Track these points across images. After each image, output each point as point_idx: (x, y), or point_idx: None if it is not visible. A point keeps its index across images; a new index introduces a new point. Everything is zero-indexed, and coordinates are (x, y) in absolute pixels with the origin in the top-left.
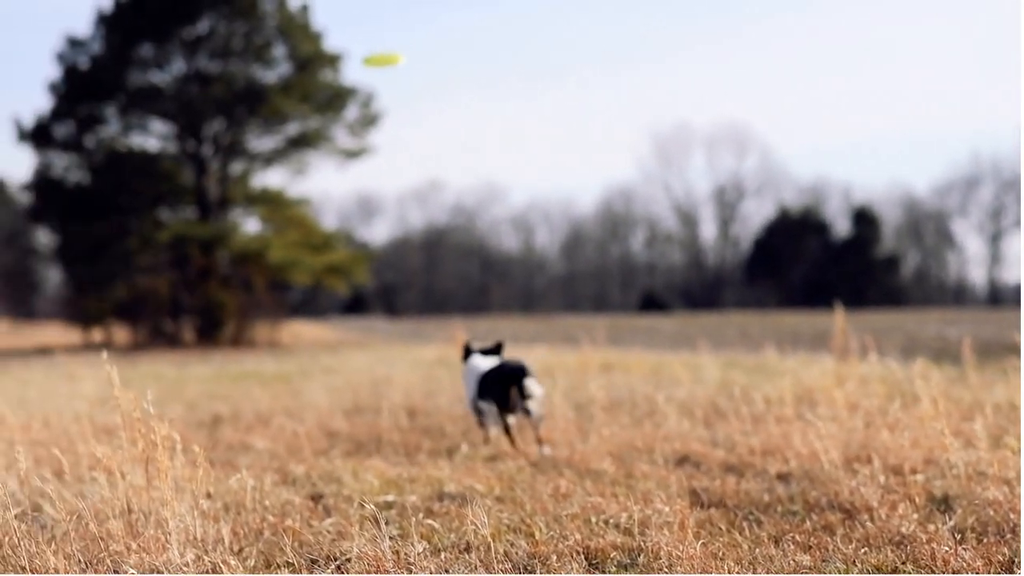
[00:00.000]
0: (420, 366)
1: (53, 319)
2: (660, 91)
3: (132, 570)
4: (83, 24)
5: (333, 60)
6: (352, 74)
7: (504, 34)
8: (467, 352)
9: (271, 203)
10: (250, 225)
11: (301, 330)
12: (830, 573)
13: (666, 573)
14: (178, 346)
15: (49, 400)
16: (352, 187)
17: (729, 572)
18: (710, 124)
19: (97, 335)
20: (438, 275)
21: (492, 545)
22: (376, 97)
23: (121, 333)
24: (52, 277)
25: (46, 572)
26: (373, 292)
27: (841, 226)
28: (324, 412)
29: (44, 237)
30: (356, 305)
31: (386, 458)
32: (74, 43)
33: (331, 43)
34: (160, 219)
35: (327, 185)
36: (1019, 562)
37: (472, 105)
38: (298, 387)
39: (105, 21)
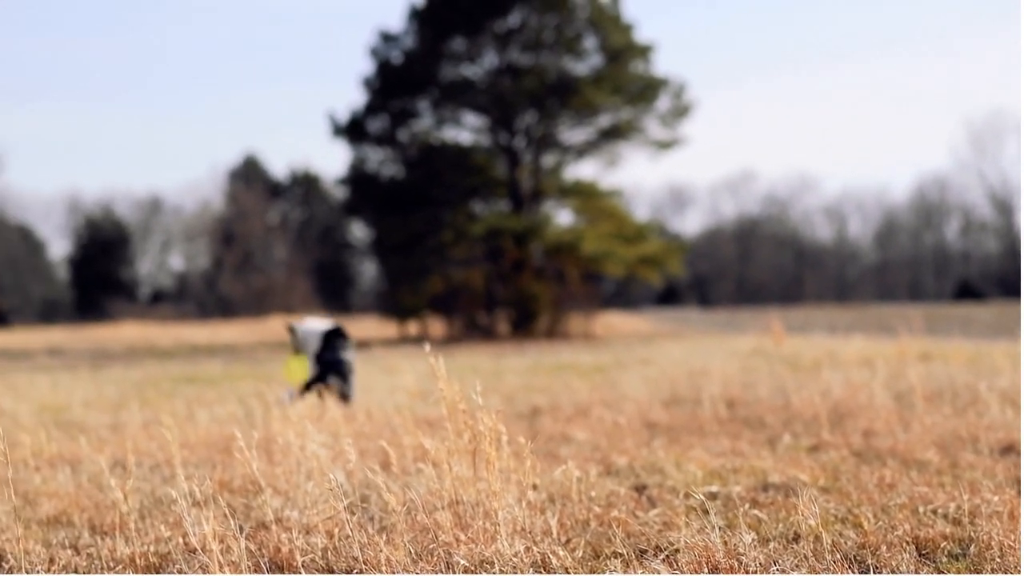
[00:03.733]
0: (736, 356)
1: (368, 312)
2: (974, 76)
3: (463, 560)
4: (395, 19)
5: (644, 51)
6: (663, 65)
7: (816, 17)
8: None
9: (584, 195)
10: (562, 217)
11: (614, 321)
12: None
13: (998, 563)
14: (492, 338)
15: (369, 393)
16: (664, 178)
17: None
18: None
19: (412, 328)
20: (751, 265)
21: (821, 535)
22: (688, 87)
23: (436, 326)
24: (367, 271)
25: (378, 563)
26: (686, 283)
27: None
28: (642, 403)
29: (359, 231)
30: (669, 296)
31: (707, 449)
32: (387, 38)
33: (642, 34)
34: (473, 212)
35: (638, 176)
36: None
37: (784, 93)
38: (615, 378)
39: (417, 16)
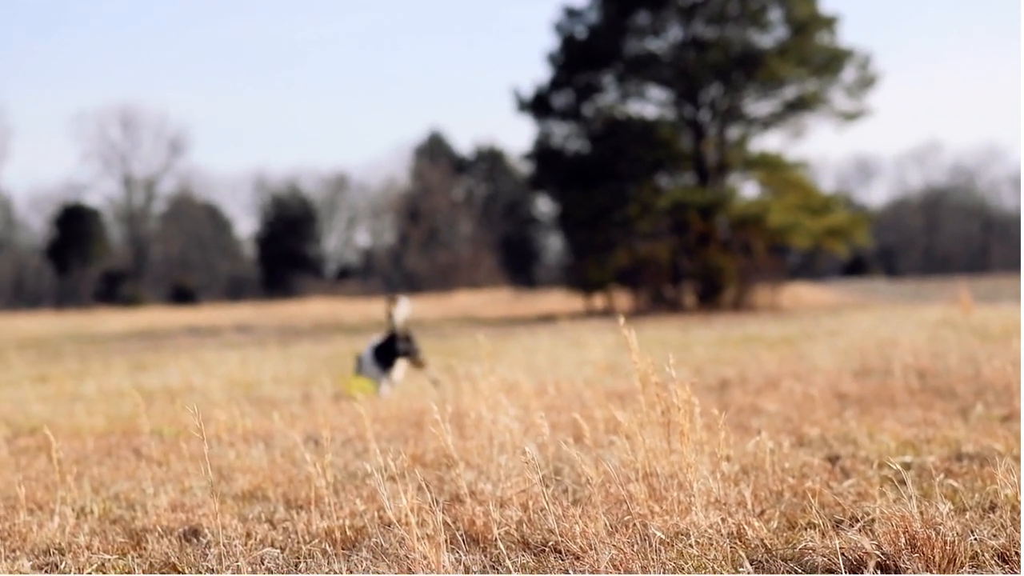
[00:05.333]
0: (924, 327)
1: (553, 286)
2: None
3: (658, 532)
4: None
5: (830, 22)
6: (848, 36)
7: None
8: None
9: (769, 167)
10: (747, 189)
11: (800, 293)
12: None
13: None
14: (678, 311)
15: (557, 366)
16: (849, 149)
17: None
18: None
19: (598, 301)
20: (938, 236)
21: (1019, 505)
22: (873, 58)
23: (621, 299)
24: (552, 245)
25: (573, 535)
26: (872, 254)
27: None
28: (832, 374)
29: (543, 205)
30: (855, 267)
31: (899, 419)
32: (571, 13)
33: (827, 5)
34: (658, 185)
35: (824, 147)
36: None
37: (971, 61)
38: (803, 350)
39: None
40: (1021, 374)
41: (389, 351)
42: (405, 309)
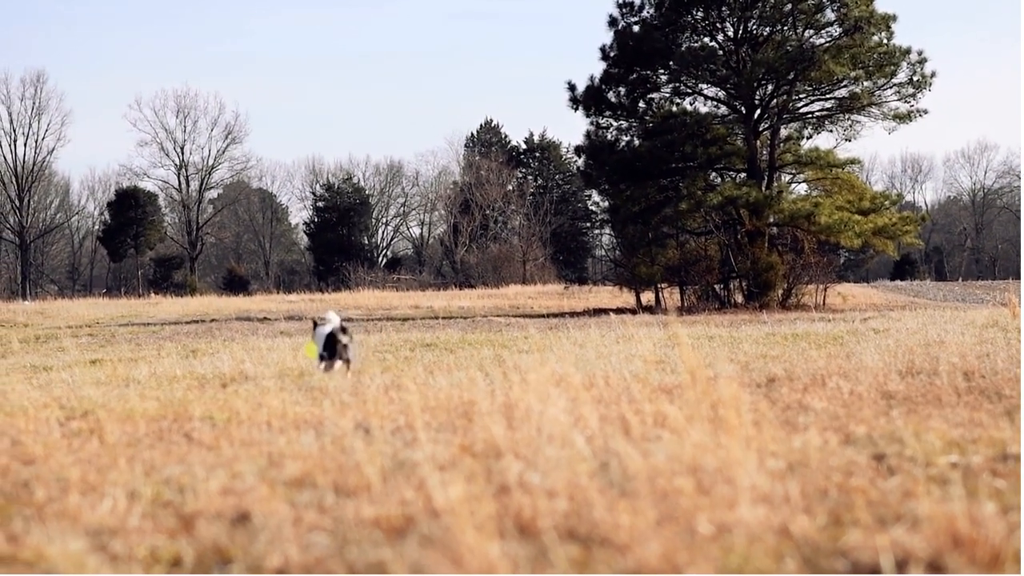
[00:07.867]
0: (972, 328)
1: (603, 281)
2: None
3: (704, 526)
4: None
5: (886, 21)
6: (903, 36)
7: None
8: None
9: (820, 165)
10: (797, 187)
11: (849, 292)
12: None
13: None
14: (727, 308)
15: (606, 360)
16: (900, 148)
17: None
18: None
19: (647, 296)
20: (988, 238)
21: None
22: (928, 58)
23: (670, 295)
24: (603, 240)
25: (619, 527)
26: (921, 254)
27: None
28: (878, 373)
29: (596, 198)
30: (903, 268)
31: (945, 419)
32: (626, 8)
33: (883, 5)
34: (710, 181)
35: (875, 146)
36: None
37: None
38: (850, 348)
39: None
40: (1021, 372)
41: (331, 343)
42: (334, 319)
